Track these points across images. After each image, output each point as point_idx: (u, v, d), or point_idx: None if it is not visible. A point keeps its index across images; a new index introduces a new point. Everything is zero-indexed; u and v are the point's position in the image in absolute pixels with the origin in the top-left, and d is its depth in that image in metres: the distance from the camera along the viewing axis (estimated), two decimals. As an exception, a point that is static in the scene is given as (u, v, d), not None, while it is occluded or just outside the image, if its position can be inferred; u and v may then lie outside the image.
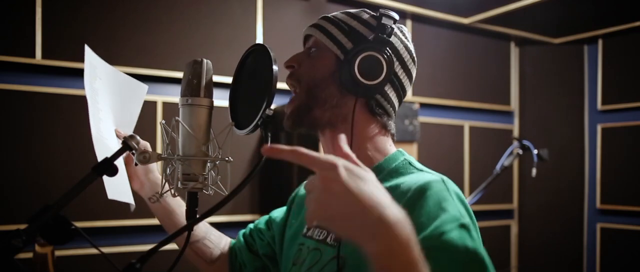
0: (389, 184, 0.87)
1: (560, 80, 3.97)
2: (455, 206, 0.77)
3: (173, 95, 2.70)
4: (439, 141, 3.58)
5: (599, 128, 3.83)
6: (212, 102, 0.83)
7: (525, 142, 2.72)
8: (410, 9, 3.35)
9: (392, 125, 0.96)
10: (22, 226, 0.69)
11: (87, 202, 2.32)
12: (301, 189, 1.13)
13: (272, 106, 0.79)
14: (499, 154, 2.80)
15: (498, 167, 2.63)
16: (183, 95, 0.82)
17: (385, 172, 0.90)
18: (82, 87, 2.43)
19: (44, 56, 2.36)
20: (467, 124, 3.74)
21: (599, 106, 3.83)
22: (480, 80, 3.84)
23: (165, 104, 2.66)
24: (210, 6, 2.78)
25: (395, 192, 0.82)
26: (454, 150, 3.68)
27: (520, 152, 2.72)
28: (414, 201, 0.78)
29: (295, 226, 1.05)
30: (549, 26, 3.83)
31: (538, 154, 2.69)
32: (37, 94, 2.36)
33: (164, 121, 0.85)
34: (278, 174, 2.87)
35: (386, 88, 0.91)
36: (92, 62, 0.96)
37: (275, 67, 0.78)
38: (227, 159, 0.83)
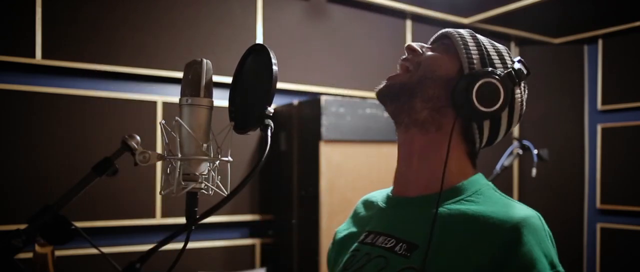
0: (474, 207, 0.86)
1: (560, 80, 3.97)
2: (551, 250, 0.79)
3: (173, 95, 2.70)
4: (439, 141, 3.58)
5: (599, 128, 3.83)
6: (212, 102, 0.83)
7: (525, 142, 2.72)
8: (410, 9, 3.35)
9: (475, 155, 0.97)
10: (22, 226, 0.69)
11: (87, 202, 2.33)
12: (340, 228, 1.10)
13: (272, 106, 0.79)
14: (499, 154, 2.80)
15: (498, 167, 2.63)
16: (183, 95, 0.82)
17: (468, 192, 0.90)
18: (82, 88, 2.44)
19: (44, 56, 2.36)
20: (467, 124, 3.74)
21: (599, 106, 3.83)
22: (480, 80, 3.83)
23: (165, 104, 2.66)
24: (210, 6, 2.78)
25: (485, 221, 0.82)
26: (454, 150, 3.67)
27: (520, 152, 2.72)
28: (512, 236, 0.78)
29: (344, 234, 1.04)
30: (549, 26, 3.83)
31: (538, 154, 2.70)
32: (37, 94, 2.37)
33: (164, 121, 0.85)
34: (278, 174, 2.87)
35: (484, 123, 0.92)
36: None
37: (275, 68, 0.78)
38: (227, 159, 0.83)
